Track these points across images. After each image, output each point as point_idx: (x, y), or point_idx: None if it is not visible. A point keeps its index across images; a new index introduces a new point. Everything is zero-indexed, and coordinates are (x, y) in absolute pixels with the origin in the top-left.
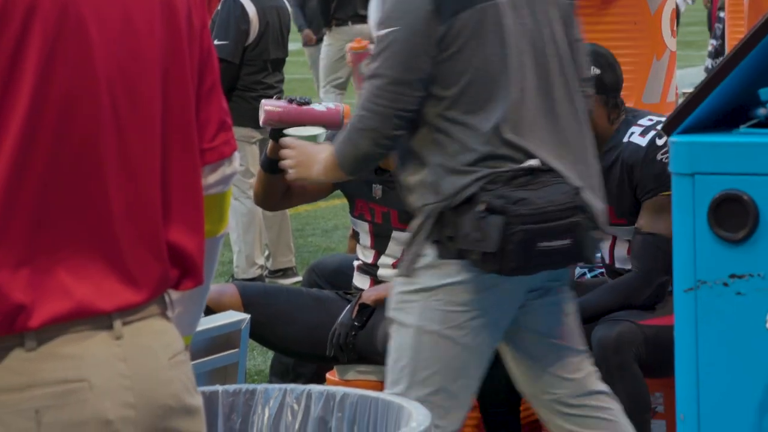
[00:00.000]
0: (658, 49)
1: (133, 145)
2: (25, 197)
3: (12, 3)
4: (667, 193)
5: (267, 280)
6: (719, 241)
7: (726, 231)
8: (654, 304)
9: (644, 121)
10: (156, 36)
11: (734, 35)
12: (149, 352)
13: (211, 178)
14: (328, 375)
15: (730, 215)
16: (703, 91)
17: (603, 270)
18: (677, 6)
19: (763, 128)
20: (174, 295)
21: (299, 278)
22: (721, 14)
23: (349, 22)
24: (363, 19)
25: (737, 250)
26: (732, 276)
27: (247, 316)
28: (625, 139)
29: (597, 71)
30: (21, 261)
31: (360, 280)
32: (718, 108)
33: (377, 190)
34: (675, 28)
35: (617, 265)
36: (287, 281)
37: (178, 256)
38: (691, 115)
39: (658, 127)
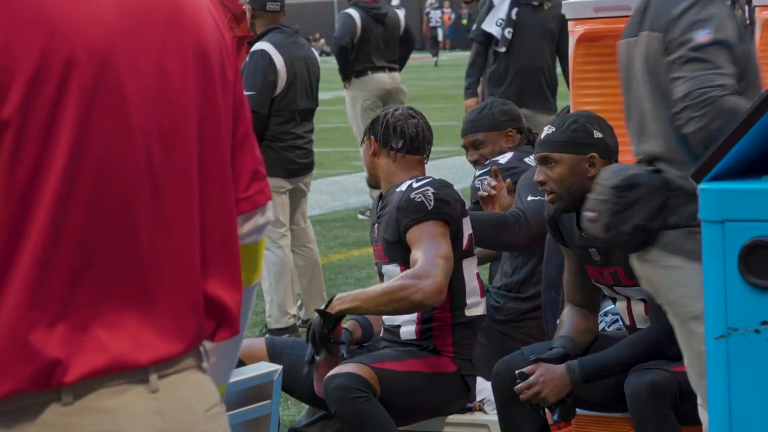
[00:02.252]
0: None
1: (170, 198)
2: (62, 253)
3: (50, 59)
4: None
5: (300, 330)
6: (750, 287)
7: (757, 278)
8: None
9: None
10: (190, 88)
11: (767, 80)
12: (185, 405)
13: (245, 228)
14: None
15: (760, 262)
16: (730, 138)
17: (621, 324)
18: None
19: None
20: (209, 345)
21: None
22: None
23: (369, 72)
24: (380, 69)
25: None
26: (763, 323)
27: (278, 367)
28: None
29: (599, 134)
30: (57, 317)
31: None
32: (746, 155)
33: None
34: None
35: (638, 325)
36: None
37: (215, 307)
38: (719, 163)
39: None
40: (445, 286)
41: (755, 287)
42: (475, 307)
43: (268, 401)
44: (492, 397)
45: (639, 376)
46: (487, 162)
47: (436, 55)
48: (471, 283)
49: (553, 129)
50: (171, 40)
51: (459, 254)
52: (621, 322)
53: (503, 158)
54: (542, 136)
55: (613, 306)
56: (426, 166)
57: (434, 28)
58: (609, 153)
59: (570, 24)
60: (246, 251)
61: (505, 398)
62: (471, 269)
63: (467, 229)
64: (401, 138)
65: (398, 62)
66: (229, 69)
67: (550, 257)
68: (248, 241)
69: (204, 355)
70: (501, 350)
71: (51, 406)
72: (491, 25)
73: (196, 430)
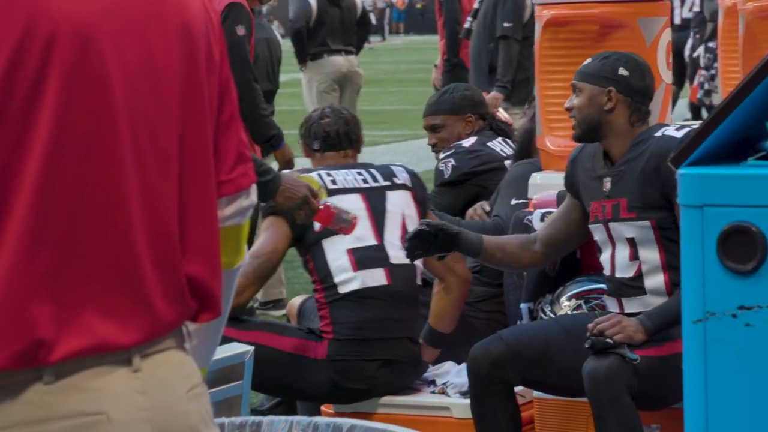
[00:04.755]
0: (654, 80)
1: (153, 177)
2: (51, 232)
3: (31, 36)
4: None
5: (258, 312)
6: (728, 272)
7: (735, 263)
8: None
9: (680, 125)
10: (174, 68)
11: (728, 67)
12: (167, 385)
13: (228, 210)
14: (323, 407)
15: (738, 247)
16: (711, 124)
17: (599, 300)
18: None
19: None
20: (191, 326)
21: None
22: (710, 44)
23: (325, 55)
24: (336, 52)
25: (746, 282)
26: (741, 307)
27: (250, 348)
28: (658, 134)
29: (625, 72)
30: (48, 296)
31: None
32: (726, 141)
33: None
34: (671, 60)
35: (617, 274)
36: (278, 313)
37: (196, 288)
38: (699, 148)
39: (695, 127)
40: (248, 283)
41: (733, 272)
42: (348, 283)
43: (240, 382)
44: (455, 380)
45: (595, 361)
46: (452, 145)
47: (382, 37)
48: (337, 260)
49: (589, 61)
50: (155, 19)
51: (315, 238)
52: (584, 307)
53: (467, 142)
54: (579, 67)
55: (578, 288)
56: (381, 149)
57: (382, 10)
58: (631, 92)
59: (537, 9)
60: (229, 234)
61: (481, 382)
62: (337, 247)
63: None
64: (315, 140)
65: (355, 45)
66: (215, 50)
67: None
68: (231, 223)
69: (186, 336)
70: (466, 333)
71: (32, 385)
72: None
73: (177, 410)
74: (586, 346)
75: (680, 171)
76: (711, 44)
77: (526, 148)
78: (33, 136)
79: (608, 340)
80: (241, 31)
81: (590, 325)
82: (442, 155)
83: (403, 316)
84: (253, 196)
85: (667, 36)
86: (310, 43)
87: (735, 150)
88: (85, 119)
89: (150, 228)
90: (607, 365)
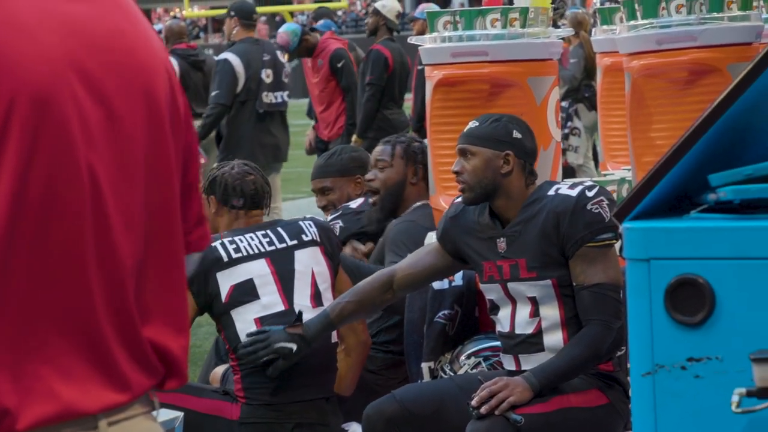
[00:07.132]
0: (545, 139)
1: (117, 242)
2: (9, 297)
3: None
4: (593, 244)
5: None
6: (676, 324)
7: (683, 315)
8: (614, 349)
9: (569, 183)
10: (138, 132)
11: (609, 125)
12: None
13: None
14: None
15: (686, 299)
16: (653, 177)
17: (498, 357)
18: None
19: (713, 213)
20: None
21: None
22: (563, 104)
23: None
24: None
25: (694, 334)
26: (690, 359)
27: (180, 414)
28: (551, 192)
29: (518, 135)
30: (7, 363)
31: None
32: (667, 194)
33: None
34: (560, 118)
35: (517, 331)
36: None
37: (161, 354)
38: (642, 202)
39: (586, 184)
40: None
41: (681, 324)
42: None
43: None
44: None
45: (475, 423)
46: (339, 207)
47: None
48: (246, 330)
49: (477, 124)
50: (120, 84)
51: (222, 309)
52: (483, 365)
53: (354, 203)
54: (465, 129)
55: (477, 346)
56: None
57: None
58: (525, 155)
59: (427, 69)
60: None
61: None
62: (245, 317)
63: (228, 281)
64: (241, 197)
65: None
66: (182, 107)
67: (412, 301)
68: None
69: (156, 404)
70: (368, 399)
71: None
72: None
73: None
74: (473, 413)
75: (625, 225)
76: (564, 104)
77: (394, 201)
78: None
79: (495, 413)
80: None
81: (476, 399)
82: (329, 217)
83: (315, 380)
84: None
85: (555, 95)
86: None
87: (675, 203)
88: (45, 186)
89: (109, 293)
90: (486, 426)
